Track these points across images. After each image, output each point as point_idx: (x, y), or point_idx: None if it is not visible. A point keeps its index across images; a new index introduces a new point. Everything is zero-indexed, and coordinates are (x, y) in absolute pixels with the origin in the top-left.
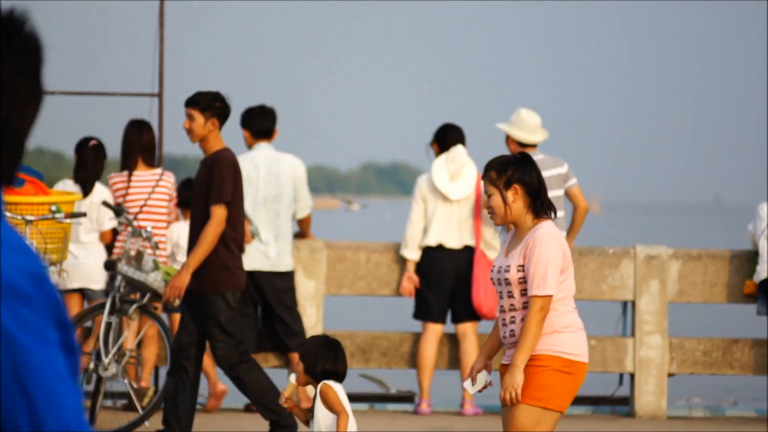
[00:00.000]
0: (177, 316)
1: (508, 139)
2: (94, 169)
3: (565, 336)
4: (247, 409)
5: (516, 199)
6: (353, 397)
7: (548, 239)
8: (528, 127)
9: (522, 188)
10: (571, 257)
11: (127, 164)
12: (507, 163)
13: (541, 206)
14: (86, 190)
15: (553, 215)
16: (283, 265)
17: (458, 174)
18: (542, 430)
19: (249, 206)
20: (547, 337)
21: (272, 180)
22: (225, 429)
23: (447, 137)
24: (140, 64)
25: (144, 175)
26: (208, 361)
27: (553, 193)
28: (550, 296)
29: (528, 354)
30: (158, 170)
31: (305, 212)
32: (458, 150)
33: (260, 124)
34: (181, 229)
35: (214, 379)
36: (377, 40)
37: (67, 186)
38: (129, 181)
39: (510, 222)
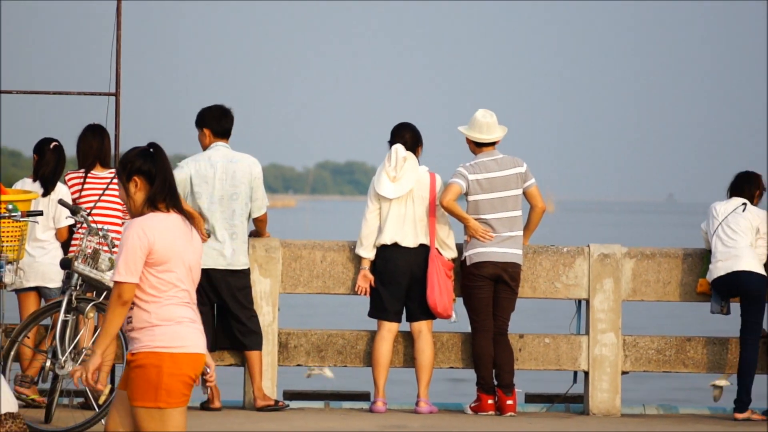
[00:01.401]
0: None
1: (468, 140)
2: (57, 170)
3: (163, 329)
4: (203, 407)
5: (137, 191)
6: (308, 396)
7: (132, 227)
8: (482, 126)
9: (142, 180)
10: (179, 251)
11: (84, 165)
12: (131, 156)
13: (154, 197)
14: (47, 190)
15: (175, 206)
16: (239, 263)
17: (398, 174)
18: (170, 429)
19: (205, 205)
20: (145, 333)
21: (228, 179)
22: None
23: (393, 137)
24: (97, 64)
25: (100, 174)
26: None
27: (511, 193)
28: (128, 284)
29: (107, 339)
30: (112, 171)
31: (261, 211)
32: (394, 150)
33: (222, 124)
34: None
35: None
36: (334, 39)
37: (26, 185)
38: (84, 180)
39: (137, 213)
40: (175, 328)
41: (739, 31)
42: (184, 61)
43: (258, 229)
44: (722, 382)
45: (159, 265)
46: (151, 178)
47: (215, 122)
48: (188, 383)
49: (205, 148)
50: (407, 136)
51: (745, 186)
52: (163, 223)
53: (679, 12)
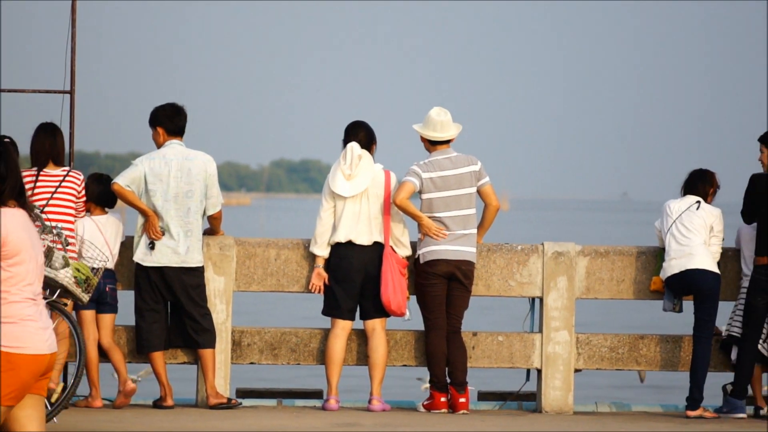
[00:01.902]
0: (87, 313)
1: (422, 138)
2: None
3: (7, 327)
4: (155, 405)
5: None
6: (261, 394)
7: None
8: (436, 124)
9: None
10: (28, 245)
11: (37, 164)
12: None
13: (4, 197)
14: None
15: (22, 203)
16: (194, 261)
17: (353, 172)
18: None
19: (159, 203)
20: None
21: (183, 177)
22: (134, 427)
23: (347, 135)
24: (52, 62)
25: (52, 172)
26: (119, 357)
27: (465, 191)
28: None
29: None
30: (66, 168)
31: (216, 209)
32: (349, 148)
33: (175, 122)
34: (87, 224)
35: (124, 376)
36: (288, 37)
37: None
38: (37, 178)
39: None
40: (17, 328)
41: (701, 31)
42: (139, 60)
43: (212, 227)
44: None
45: (10, 257)
46: (2, 179)
47: (169, 120)
48: (23, 385)
49: (159, 146)
50: (361, 134)
51: (699, 184)
52: (14, 217)
53: (632, 10)
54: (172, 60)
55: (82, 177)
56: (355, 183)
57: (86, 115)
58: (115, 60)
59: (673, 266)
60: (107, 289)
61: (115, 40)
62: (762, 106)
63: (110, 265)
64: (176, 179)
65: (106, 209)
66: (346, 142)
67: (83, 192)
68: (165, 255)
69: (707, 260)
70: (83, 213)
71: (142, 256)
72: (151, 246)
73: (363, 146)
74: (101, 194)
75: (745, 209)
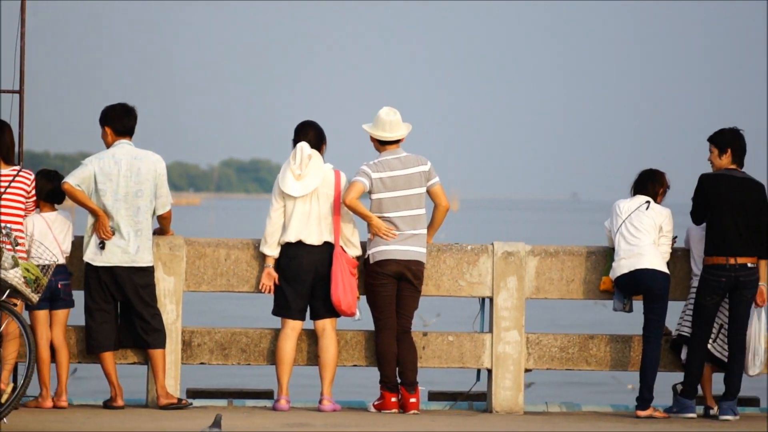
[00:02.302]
0: (40, 314)
1: (372, 138)
2: None
3: None
4: (106, 405)
5: None
6: (211, 394)
7: None
8: (385, 124)
9: None
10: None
11: None
12: None
13: None
14: None
15: None
16: (144, 260)
17: (303, 172)
18: None
19: (109, 202)
20: None
21: (133, 176)
22: (84, 427)
23: (297, 135)
24: (1, 62)
25: (0, 171)
26: (64, 359)
27: (415, 191)
28: None
29: None
30: (16, 167)
31: (166, 208)
32: (299, 148)
33: (125, 122)
34: (36, 222)
35: (63, 387)
36: (238, 37)
37: None
38: None
39: None
40: None
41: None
42: (88, 59)
43: (162, 227)
44: None
45: None
46: None
47: (118, 121)
48: None
49: (108, 145)
50: (311, 134)
51: (648, 184)
52: None
53: (589, 9)
54: (121, 60)
55: (32, 177)
56: (304, 183)
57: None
58: (65, 60)
59: (622, 266)
60: (59, 285)
61: (65, 39)
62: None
63: (62, 261)
64: (126, 179)
65: (56, 206)
66: (296, 142)
67: (33, 191)
68: (115, 255)
69: (656, 260)
70: (32, 211)
71: (92, 255)
72: (102, 246)
73: (313, 146)
74: (50, 191)
75: (694, 210)
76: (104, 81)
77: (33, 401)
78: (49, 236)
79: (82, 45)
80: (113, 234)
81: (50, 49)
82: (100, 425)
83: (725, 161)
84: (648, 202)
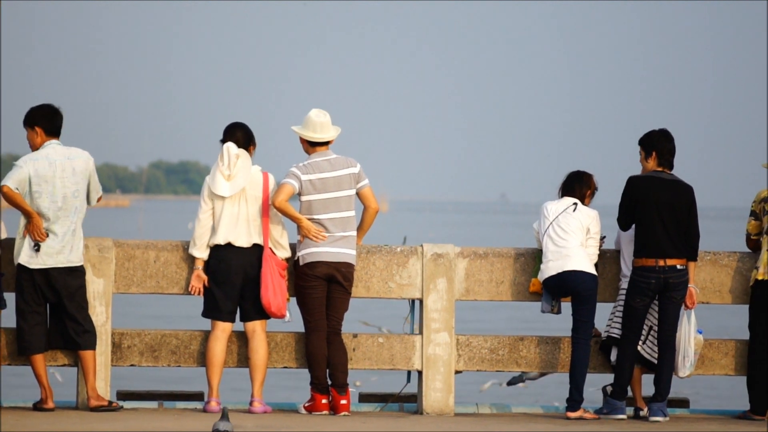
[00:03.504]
0: None
1: (302, 140)
2: None
3: None
4: (36, 407)
5: None
6: (142, 396)
7: None
8: (315, 126)
9: None
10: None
11: None
12: None
13: None
14: None
15: None
16: (77, 259)
17: (232, 172)
18: None
19: (45, 204)
20: None
21: (69, 177)
22: (14, 428)
23: (225, 136)
24: None
25: None
26: None
27: (345, 193)
28: None
29: None
30: None
31: (98, 194)
32: (225, 148)
33: (54, 122)
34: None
35: None
36: (164, 38)
37: None
38: None
39: None
40: None
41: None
42: (10, 58)
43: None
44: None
45: None
46: None
47: (47, 121)
48: None
49: (36, 146)
50: (239, 134)
51: (576, 186)
52: None
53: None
54: (42, 60)
55: None
56: (234, 183)
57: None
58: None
59: (550, 268)
60: None
61: None
62: (644, 106)
63: None
64: (62, 179)
65: None
66: (223, 143)
67: None
68: (50, 256)
69: (584, 262)
70: None
71: (27, 258)
72: (36, 248)
73: (241, 146)
74: None
75: (621, 215)
76: (28, 81)
77: None
78: None
79: (12, 46)
80: (47, 236)
81: None
82: (30, 427)
83: (652, 164)
84: (575, 203)
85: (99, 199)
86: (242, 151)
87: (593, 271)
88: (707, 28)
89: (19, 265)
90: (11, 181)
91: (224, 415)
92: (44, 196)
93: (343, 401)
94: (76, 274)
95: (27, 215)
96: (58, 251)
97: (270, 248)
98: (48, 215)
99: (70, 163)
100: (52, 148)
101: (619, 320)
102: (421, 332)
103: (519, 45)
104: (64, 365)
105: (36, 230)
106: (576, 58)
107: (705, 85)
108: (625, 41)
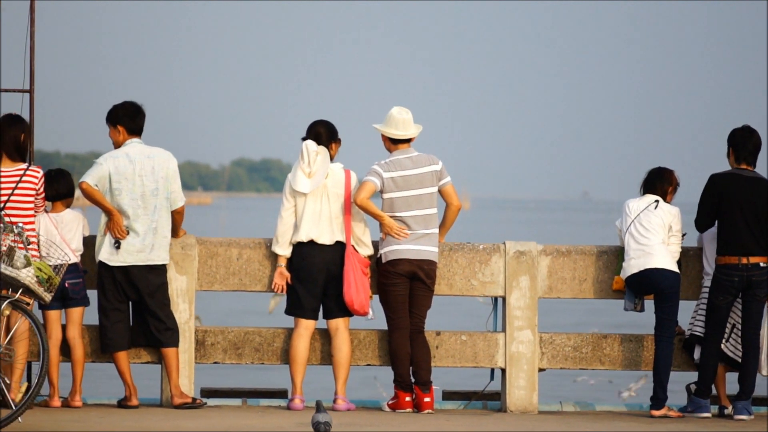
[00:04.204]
0: (52, 313)
1: (383, 137)
2: None
3: None
4: (120, 404)
5: None
6: (226, 393)
7: None
8: (398, 123)
9: None
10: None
11: (7, 155)
12: None
13: None
14: None
15: None
16: (159, 258)
17: (313, 169)
18: None
19: (125, 201)
20: None
21: (147, 175)
22: (99, 427)
23: (308, 133)
24: (11, 61)
25: (8, 170)
26: (79, 356)
27: (427, 191)
28: None
29: None
30: (23, 165)
31: (178, 204)
32: (305, 146)
33: (136, 120)
34: (42, 220)
35: (77, 386)
36: (248, 36)
37: None
38: None
39: None
40: None
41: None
42: (98, 58)
43: (174, 222)
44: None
45: None
46: None
47: (129, 119)
48: None
49: (117, 144)
50: (321, 131)
51: (657, 183)
52: None
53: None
54: (132, 58)
55: (41, 173)
56: (314, 179)
57: (46, 114)
58: (74, 58)
59: (632, 266)
60: (66, 284)
61: (74, 38)
62: (724, 105)
63: (74, 259)
64: (141, 177)
65: (67, 205)
66: (305, 140)
67: (42, 189)
68: (131, 254)
69: (666, 259)
70: (42, 209)
71: (107, 255)
72: (117, 245)
73: (323, 144)
74: (60, 191)
75: (700, 213)
76: (114, 80)
77: (42, 401)
78: (55, 236)
79: (91, 44)
80: (128, 233)
81: (60, 48)
82: (114, 425)
83: (732, 161)
84: (657, 201)
85: (181, 210)
86: (321, 148)
87: (675, 268)
88: None
89: (99, 262)
90: (90, 178)
91: (320, 408)
92: (124, 194)
93: (427, 399)
94: (158, 271)
95: (107, 212)
96: (139, 249)
97: (352, 246)
98: (128, 212)
99: (150, 161)
100: (133, 146)
101: (702, 318)
102: (504, 330)
103: (604, 43)
104: (147, 363)
105: (116, 227)
106: (663, 54)
107: None
108: (723, 36)
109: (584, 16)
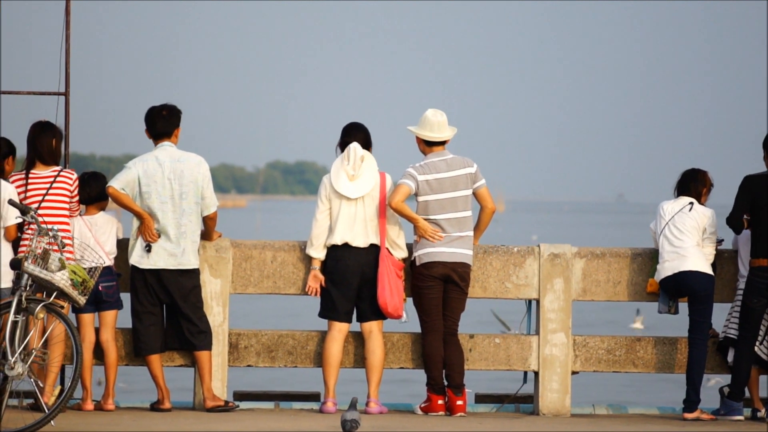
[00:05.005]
0: (85, 316)
1: (418, 140)
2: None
3: None
4: (153, 407)
5: None
6: (258, 396)
7: None
8: (433, 125)
9: None
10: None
11: (26, 163)
12: None
13: None
14: None
15: None
16: (190, 263)
17: (357, 173)
18: None
19: (155, 204)
20: None
21: (176, 178)
22: (131, 429)
23: (346, 137)
24: (47, 63)
25: (42, 173)
26: (112, 360)
27: (461, 193)
28: None
29: None
30: (57, 168)
31: (211, 210)
32: (351, 149)
33: (169, 123)
34: (77, 224)
35: (110, 390)
36: (282, 39)
37: None
38: (27, 179)
39: None
40: None
41: (698, 32)
42: (134, 61)
43: (207, 228)
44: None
45: None
46: None
47: (161, 122)
48: None
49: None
50: (360, 136)
51: (691, 184)
52: None
53: (630, 11)
54: (167, 61)
55: (75, 176)
56: (358, 184)
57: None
58: (110, 61)
59: (666, 268)
60: (100, 287)
61: (110, 41)
62: (760, 107)
63: (108, 262)
64: (170, 181)
65: (101, 208)
66: (344, 143)
67: (76, 191)
68: (161, 257)
69: (700, 262)
70: (77, 212)
71: (138, 258)
72: (148, 249)
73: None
74: (95, 193)
75: (733, 213)
76: (150, 82)
77: (75, 404)
78: (89, 239)
79: (128, 47)
80: (159, 237)
81: (95, 51)
82: (147, 427)
83: (766, 162)
84: (691, 203)
85: (213, 216)
86: (367, 153)
87: (710, 271)
88: None
89: (132, 265)
90: (117, 182)
91: (353, 405)
92: (153, 197)
93: (460, 402)
94: (190, 275)
95: (138, 216)
96: (170, 253)
97: (387, 248)
98: (158, 216)
99: (179, 165)
100: (163, 149)
101: (736, 321)
102: (537, 333)
103: (637, 44)
104: (180, 366)
105: (147, 231)
106: (698, 56)
107: None
108: (751, 38)
109: (620, 17)
